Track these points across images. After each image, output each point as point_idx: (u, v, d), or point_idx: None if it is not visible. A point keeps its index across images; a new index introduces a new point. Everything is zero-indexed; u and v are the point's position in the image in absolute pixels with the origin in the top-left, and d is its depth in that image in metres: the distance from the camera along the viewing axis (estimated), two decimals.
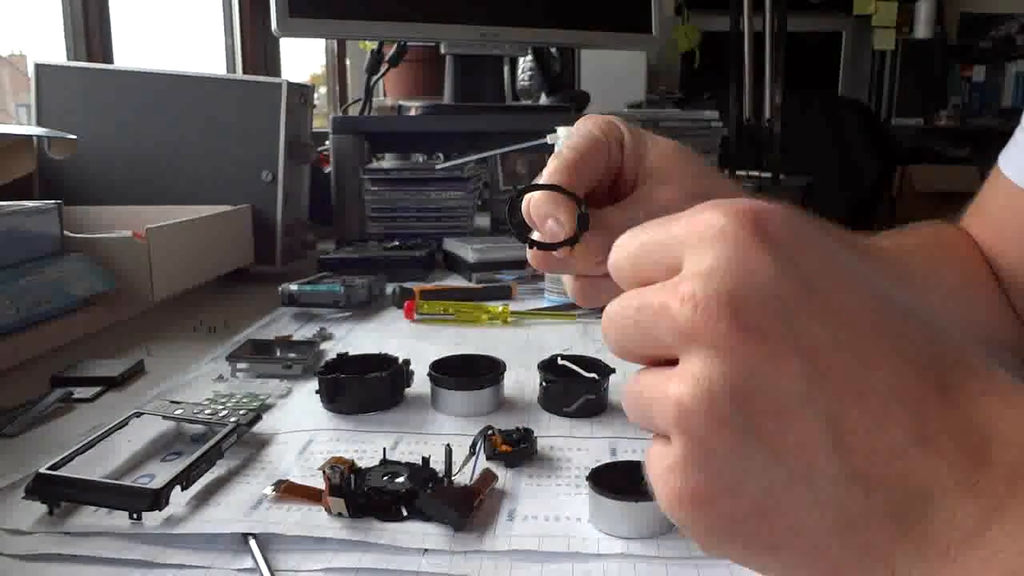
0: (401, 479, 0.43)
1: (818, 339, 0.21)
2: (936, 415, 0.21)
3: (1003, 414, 0.21)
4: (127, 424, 0.49)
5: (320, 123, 1.88)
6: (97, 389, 0.60)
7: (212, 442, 0.45)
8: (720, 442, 0.22)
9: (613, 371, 0.56)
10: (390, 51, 1.46)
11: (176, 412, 0.50)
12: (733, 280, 0.22)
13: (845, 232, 0.41)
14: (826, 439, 0.21)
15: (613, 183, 0.39)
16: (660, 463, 0.23)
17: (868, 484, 0.21)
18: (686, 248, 0.23)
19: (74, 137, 0.85)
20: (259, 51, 2.00)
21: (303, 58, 3.12)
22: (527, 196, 0.35)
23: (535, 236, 0.36)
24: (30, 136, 0.89)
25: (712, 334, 0.22)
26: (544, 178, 0.36)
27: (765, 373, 0.21)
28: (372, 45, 1.51)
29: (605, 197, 0.39)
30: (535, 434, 0.49)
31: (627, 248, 0.26)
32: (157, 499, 0.40)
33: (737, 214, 0.22)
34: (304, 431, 0.52)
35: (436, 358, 0.59)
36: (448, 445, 0.45)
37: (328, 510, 0.41)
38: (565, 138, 0.39)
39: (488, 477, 0.44)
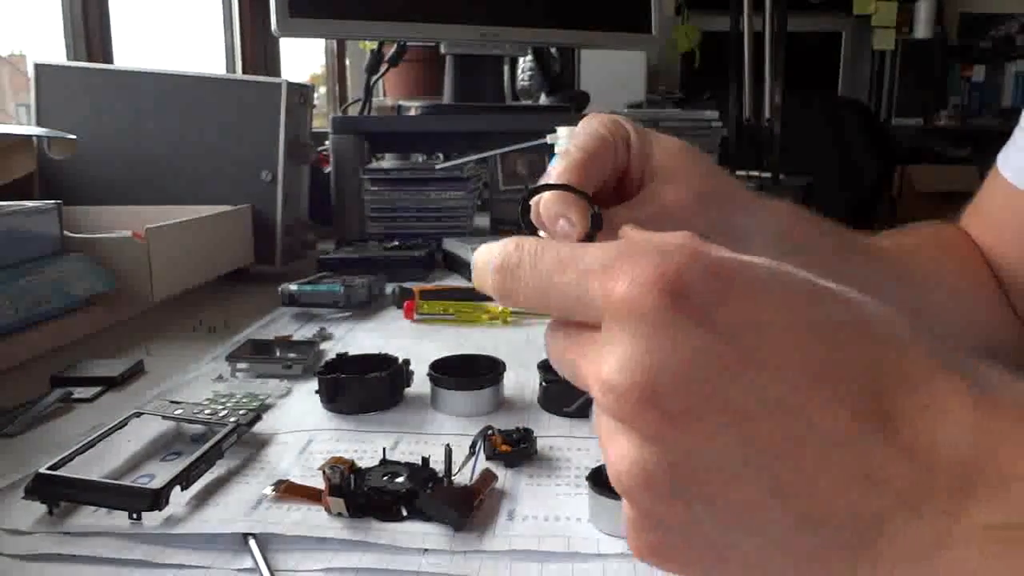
0: (401, 479, 0.43)
1: (746, 404, 0.21)
2: (878, 449, 0.21)
3: (942, 431, 0.21)
4: (127, 424, 0.49)
5: (320, 123, 1.88)
6: (97, 389, 0.60)
7: (212, 442, 0.45)
8: (666, 512, 0.22)
9: None
10: (390, 51, 1.46)
11: (176, 412, 0.50)
12: (651, 369, 0.21)
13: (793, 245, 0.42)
14: (770, 495, 0.21)
15: (619, 182, 0.39)
16: (625, 516, 0.24)
17: (817, 523, 0.21)
18: (605, 315, 0.23)
19: (74, 137, 0.85)
20: (259, 51, 2.00)
21: (303, 58, 3.12)
22: (537, 196, 0.35)
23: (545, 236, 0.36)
24: (30, 136, 0.89)
25: (638, 423, 0.22)
26: (553, 178, 0.35)
27: (698, 451, 0.22)
28: (372, 45, 1.51)
29: (611, 196, 0.39)
30: (535, 434, 0.49)
31: (528, 285, 0.25)
32: (157, 499, 0.40)
33: (652, 286, 0.22)
34: (304, 431, 0.52)
35: (436, 358, 0.59)
36: (448, 445, 0.45)
37: (328, 510, 0.41)
38: (566, 138, 0.39)
39: (488, 477, 0.44)
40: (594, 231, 0.34)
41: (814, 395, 0.21)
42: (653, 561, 0.24)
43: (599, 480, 0.41)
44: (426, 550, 0.38)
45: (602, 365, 0.22)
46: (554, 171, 0.36)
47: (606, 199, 0.38)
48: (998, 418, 0.21)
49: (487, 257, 0.26)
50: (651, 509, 0.23)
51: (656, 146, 0.39)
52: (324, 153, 1.33)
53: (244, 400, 0.57)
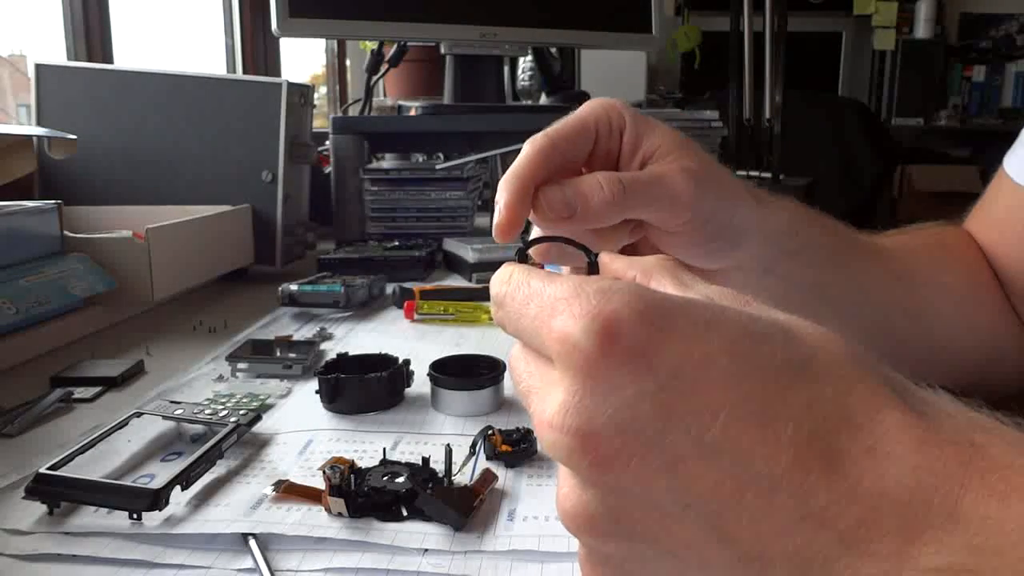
0: (401, 479, 0.43)
1: (683, 450, 0.21)
2: (820, 492, 0.21)
3: (887, 471, 0.21)
4: (127, 424, 0.49)
5: (320, 123, 1.88)
6: (97, 389, 0.60)
7: (212, 442, 0.45)
8: (612, 549, 0.23)
9: None
10: (390, 51, 1.46)
11: (176, 412, 0.50)
12: (587, 413, 0.22)
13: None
14: (711, 535, 0.22)
15: (616, 166, 0.40)
16: (579, 551, 0.25)
17: (762, 562, 0.21)
18: (551, 353, 0.23)
19: (74, 137, 0.85)
20: (259, 51, 2.00)
21: (303, 58, 3.12)
22: (535, 247, 0.37)
23: None
24: (30, 136, 0.89)
25: (578, 467, 0.22)
26: (517, 166, 0.36)
27: (636, 494, 0.22)
28: (372, 45, 1.51)
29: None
30: (535, 434, 0.49)
31: (510, 317, 0.26)
32: (157, 499, 0.40)
33: (589, 327, 0.22)
34: (304, 431, 0.52)
35: (436, 358, 0.59)
36: (448, 445, 0.45)
37: (328, 510, 0.41)
38: None
39: (488, 477, 0.44)
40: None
41: (753, 438, 0.21)
42: None
43: None
44: (426, 550, 0.38)
45: (545, 406, 0.23)
46: (518, 158, 0.36)
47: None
48: (943, 457, 0.20)
49: (492, 287, 0.28)
50: (594, 547, 0.23)
51: (652, 132, 0.39)
52: (324, 153, 1.33)
53: (244, 400, 0.57)
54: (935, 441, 0.21)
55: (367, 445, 0.50)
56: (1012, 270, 0.54)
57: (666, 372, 0.21)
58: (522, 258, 0.34)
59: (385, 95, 1.99)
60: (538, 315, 0.24)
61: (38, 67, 1.02)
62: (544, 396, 0.23)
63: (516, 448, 0.47)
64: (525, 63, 2.11)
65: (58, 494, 0.41)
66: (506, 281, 0.26)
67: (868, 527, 0.20)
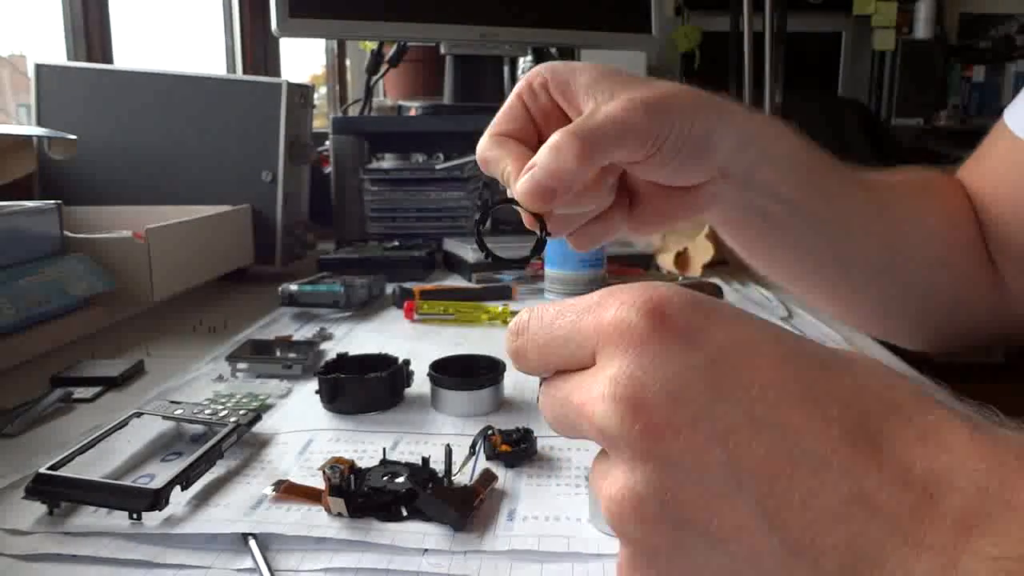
0: (401, 479, 0.43)
1: (733, 422, 0.21)
2: (871, 472, 0.20)
3: (941, 459, 0.20)
4: (127, 424, 0.49)
5: (320, 123, 1.88)
6: (97, 389, 0.60)
7: (212, 442, 0.45)
8: (659, 540, 0.22)
9: None
10: (390, 51, 1.46)
11: (176, 412, 0.50)
12: (638, 383, 0.22)
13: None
14: (761, 520, 0.21)
15: (561, 119, 0.40)
16: (619, 559, 0.24)
17: (813, 555, 0.21)
18: (598, 345, 0.24)
19: (74, 137, 0.85)
20: (259, 51, 2.00)
21: (303, 58, 3.12)
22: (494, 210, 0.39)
23: (497, 252, 0.40)
24: (30, 136, 0.89)
25: (629, 438, 0.22)
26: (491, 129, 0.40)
27: (687, 467, 0.21)
28: (372, 45, 1.51)
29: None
30: (535, 434, 0.49)
31: (535, 340, 0.27)
32: (157, 499, 0.40)
33: (640, 308, 0.23)
34: (304, 431, 0.52)
35: (436, 358, 0.59)
36: (448, 445, 0.45)
37: (328, 510, 0.41)
38: None
39: (488, 477, 0.44)
40: (535, 254, 0.38)
41: (801, 415, 0.21)
42: None
43: None
44: (426, 550, 0.38)
45: (595, 384, 0.23)
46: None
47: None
48: (997, 450, 0.20)
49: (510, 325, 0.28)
50: (642, 540, 0.23)
51: (573, 74, 0.39)
52: (324, 153, 1.33)
53: (244, 400, 0.57)
54: (988, 438, 0.20)
55: (367, 445, 0.50)
56: (1001, 221, 0.53)
57: (716, 348, 0.22)
58: (482, 220, 0.36)
59: (385, 95, 1.99)
60: (576, 320, 0.25)
61: (38, 67, 1.02)
62: (592, 383, 0.23)
63: (516, 448, 0.47)
64: (525, 63, 2.11)
65: (58, 494, 0.41)
66: (525, 312, 0.27)
67: (923, 514, 0.20)
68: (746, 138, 0.42)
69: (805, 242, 0.49)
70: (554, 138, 0.35)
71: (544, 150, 0.35)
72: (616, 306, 0.23)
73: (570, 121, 0.37)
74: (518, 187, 0.35)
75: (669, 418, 0.21)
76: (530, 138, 0.41)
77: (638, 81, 0.39)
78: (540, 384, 0.28)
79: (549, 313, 0.26)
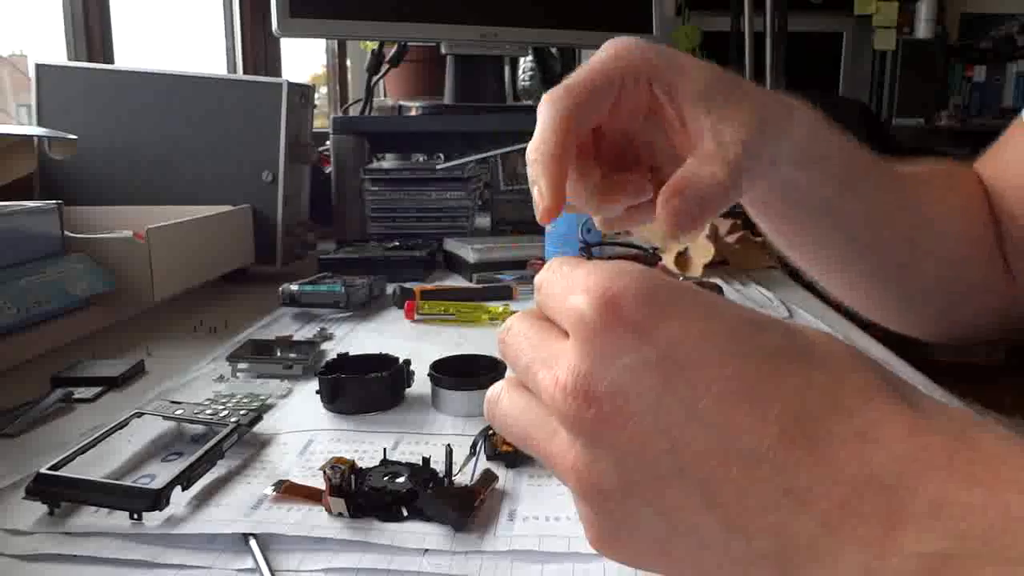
0: (401, 479, 0.43)
1: (676, 415, 0.23)
2: (805, 470, 0.21)
3: (876, 457, 0.21)
4: (127, 424, 0.49)
5: (321, 123, 1.88)
6: (97, 389, 0.60)
7: (213, 442, 0.45)
8: (610, 506, 0.24)
9: None
10: (391, 51, 1.46)
11: (176, 412, 0.50)
12: (590, 377, 0.24)
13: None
14: (700, 500, 0.23)
15: (650, 111, 0.39)
16: (581, 514, 0.26)
17: (747, 534, 0.22)
18: (567, 328, 0.25)
19: (74, 137, 0.85)
20: (259, 51, 2.00)
21: (303, 58, 3.12)
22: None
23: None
24: (30, 136, 0.89)
25: (580, 423, 0.24)
26: (546, 143, 0.35)
27: (633, 453, 0.23)
28: (372, 45, 1.52)
29: (642, 126, 0.39)
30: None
31: (541, 290, 0.28)
32: (157, 499, 0.40)
33: (595, 301, 0.24)
34: (304, 431, 0.52)
35: (436, 358, 0.59)
36: (448, 445, 0.45)
37: (328, 510, 0.41)
38: None
39: (488, 477, 0.44)
40: None
41: (742, 413, 0.22)
42: (607, 553, 0.26)
43: None
44: (426, 550, 0.38)
45: (556, 373, 0.25)
46: (544, 132, 0.35)
47: (631, 130, 0.40)
48: (932, 446, 0.21)
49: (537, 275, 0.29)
50: (595, 504, 0.25)
51: (684, 77, 0.37)
52: (324, 153, 1.33)
53: (245, 400, 0.57)
54: (925, 430, 0.21)
55: (367, 445, 0.50)
56: (1012, 212, 0.55)
57: (665, 344, 0.23)
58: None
59: (385, 95, 1.99)
60: (559, 294, 0.26)
61: (38, 67, 1.02)
62: (552, 365, 0.25)
63: (516, 448, 0.47)
64: (525, 63, 2.11)
65: (58, 494, 0.41)
66: (548, 268, 0.28)
67: (851, 510, 0.21)
68: (802, 147, 0.43)
69: (829, 237, 0.51)
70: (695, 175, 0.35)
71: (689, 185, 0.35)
72: (579, 296, 0.25)
73: (663, 114, 0.38)
74: (674, 210, 0.35)
75: (617, 410, 0.23)
76: (602, 125, 0.39)
77: (745, 97, 0.38)
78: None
79: (556, 278, 0.27)
